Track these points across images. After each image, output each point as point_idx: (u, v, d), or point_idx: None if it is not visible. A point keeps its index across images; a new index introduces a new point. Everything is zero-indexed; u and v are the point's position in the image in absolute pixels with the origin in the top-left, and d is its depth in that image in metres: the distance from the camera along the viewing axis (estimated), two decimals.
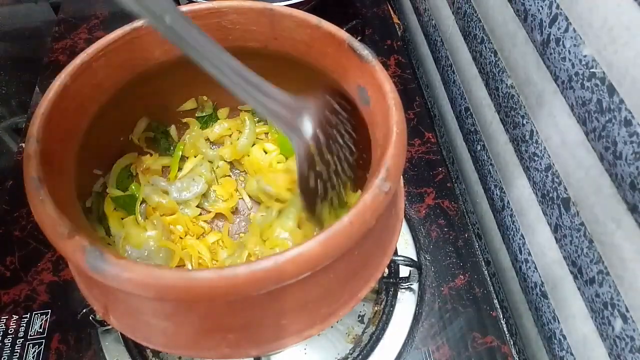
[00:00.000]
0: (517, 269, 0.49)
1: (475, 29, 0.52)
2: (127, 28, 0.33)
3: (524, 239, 0.47)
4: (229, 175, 0.46)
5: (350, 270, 0.28)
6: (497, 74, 0.48)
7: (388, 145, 0.26)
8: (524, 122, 0.44)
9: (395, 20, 0.73)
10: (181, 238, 0.41)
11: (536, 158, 0.43)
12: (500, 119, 0.49)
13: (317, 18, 0.33)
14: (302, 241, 0.23)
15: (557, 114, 0.38)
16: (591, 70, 0.33)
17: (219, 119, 0.45)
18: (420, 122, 0.58)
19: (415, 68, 0.76)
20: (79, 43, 0.67)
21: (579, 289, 0.38)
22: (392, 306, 0.44)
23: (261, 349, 0.28)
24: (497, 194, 0.52)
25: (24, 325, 0.42)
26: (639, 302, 0.32)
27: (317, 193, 0.32)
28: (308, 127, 0.31)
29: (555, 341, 0.43)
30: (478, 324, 0.43)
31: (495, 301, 0.51)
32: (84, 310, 0.39)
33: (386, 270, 0.45)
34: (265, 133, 0.46)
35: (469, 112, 0.57)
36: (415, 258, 0.47)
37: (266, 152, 0.45)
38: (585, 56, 0.33)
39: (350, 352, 0.42)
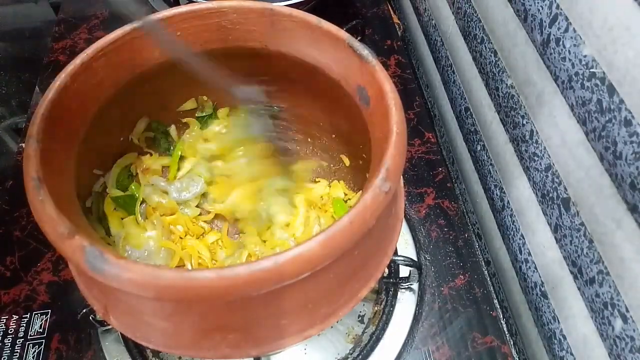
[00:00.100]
0: (517, 269, 0.49)
1: (475, 29, 0.52)
2: (127, 28, 0.33)
3: (524, 239, 0.47)
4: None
5: (350, 270, 0.28)
6: (497, 74, 0.48)
7: (388, 145, 0.26)
8: (524, 122, 0.44)
9: (395, 20, 0.72)
10: (181, 238, 0.41)
11: (536, 158, 0.43)
12: (500, 119, 0.49)
13: (317, 18, 0.33)
14: (302, 241, 0.23)
15: (557, 114, 0.38)
16: (591, 70, 0.33)
17: (218, 119, 0.45)
18: (420, 122, 0.58)
19: (415, 68, 0.76)
20: (79, 43, 0.67)
21: (579, 289, 0.38)
22: (392, 306, 0.44)
23: (261, 349, 0.28)
24: (497, 194, 0.52)
25: (24, 325, 0.42)
26: (639, 302, 0.32)
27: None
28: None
29: (555, 341, 0.43)
30: (478, 324, 0.43)
31: (495, 301, 0.51)
32: (84, 310, 0.39)
33: (386, 270, 0.45)
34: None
35: (469, 112, 0.57)
36: (415, 258, 0.47)
37: None
38: (585, 56, 0.33)
39: (350, 352, 0.42)
